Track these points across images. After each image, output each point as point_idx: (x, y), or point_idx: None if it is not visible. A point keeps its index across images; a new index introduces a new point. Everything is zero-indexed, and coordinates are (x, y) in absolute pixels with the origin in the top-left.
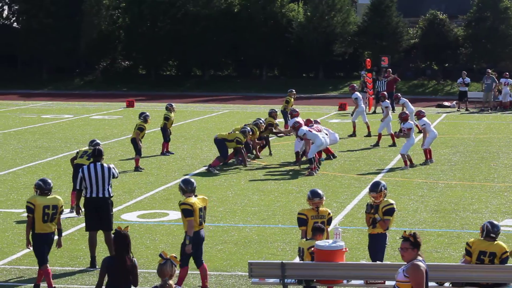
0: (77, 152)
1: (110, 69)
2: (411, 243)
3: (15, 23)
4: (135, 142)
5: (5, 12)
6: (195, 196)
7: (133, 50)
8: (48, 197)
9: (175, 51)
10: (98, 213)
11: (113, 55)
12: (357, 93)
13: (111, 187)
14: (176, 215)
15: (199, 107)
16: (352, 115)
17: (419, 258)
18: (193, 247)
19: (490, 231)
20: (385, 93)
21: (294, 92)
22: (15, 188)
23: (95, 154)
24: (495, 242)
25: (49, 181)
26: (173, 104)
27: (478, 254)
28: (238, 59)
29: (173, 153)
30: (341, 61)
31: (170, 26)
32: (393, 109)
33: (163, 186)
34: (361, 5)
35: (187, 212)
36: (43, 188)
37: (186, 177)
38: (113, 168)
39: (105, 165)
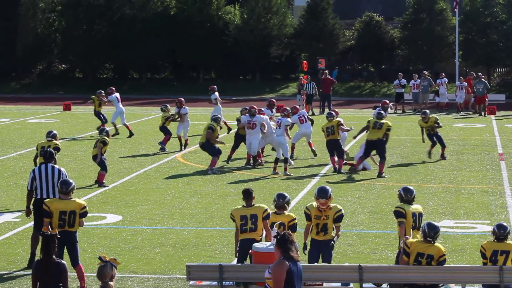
0: (37, 149)
1: (47, 72)
2: (277, 242)
3: None
4: (96, 158)
5: None
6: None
7: (69, 53)
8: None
9: (112, 54)
10: None
11: (49, 58)
12: (216, 93)
13: None
14: (113, 218)
15: (136, 110)
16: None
17: (292, 258)
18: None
19: (427, 234)
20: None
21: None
22: None
23: (47, 156)
24: (434, 244)
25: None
26: (167, 105)
27: (416, 255)
28: (175, 62)
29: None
30: (278, 63)
31: (106, 29)
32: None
33: (101, 189)
34: (297, 7)
35: None
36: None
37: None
38: (63, 171)
39: (56, 167)
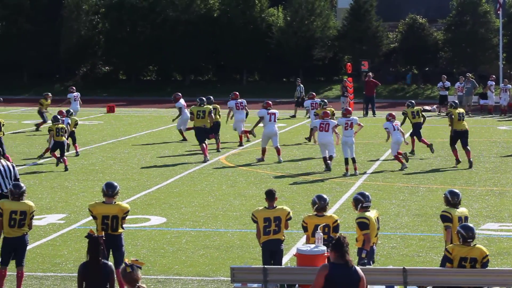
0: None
1: (90, 74)
2: (333, 246)
3: None
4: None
5: None
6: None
7: (113, 55)
8: (18, 202)
9: (155, 56)
10: None
11: (93, 60)
12: (181, 101)
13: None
14: (157, 220)
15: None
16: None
17: (347, 262)
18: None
19: (465, 236)
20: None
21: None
22: None
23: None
24: (475, 246)
25: (21, 185)
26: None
27: (459, 260)
28: (218, 64)
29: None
30: (321, 65)
31: (150, 31)
32: (374, 113)
33: (144, 191)
34: (340, 9)
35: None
36: (13, 192)
37: (109, 181)
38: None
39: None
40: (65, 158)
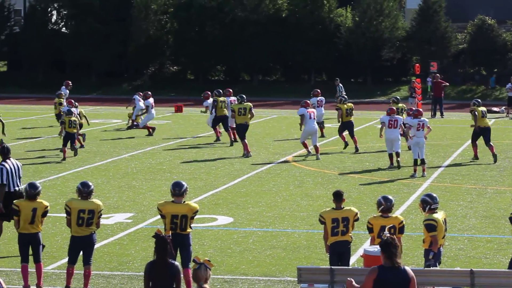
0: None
1: (159, 74)
2: (381, 247)
3: (64, 28)
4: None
5: (54, 17)
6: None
7: (181, 55)
8: (86, 201)
9: (223, 56)
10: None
11: (161, 60)
12: (209, 100)
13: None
14: (224, 220)
15: None
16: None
17: (394, 264)
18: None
19: None
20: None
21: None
22: (64, 192)
23: (5, 152)
24: None
25: (90, 184)
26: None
27: None
28: (286, 64)
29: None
30: (389, 66)
31: (218, 31)
32: (442, 114)
33: (212, 191)
34: (409, 10)
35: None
36: (81, 191)
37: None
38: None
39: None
40: (75, 144)
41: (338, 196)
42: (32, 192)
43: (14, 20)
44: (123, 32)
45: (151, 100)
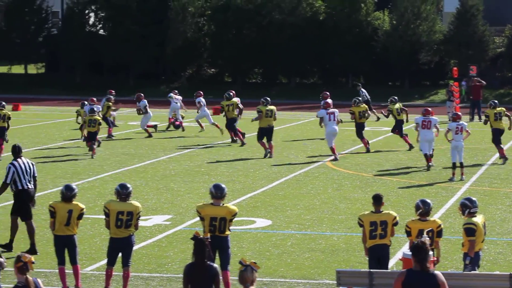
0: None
1: (196, 76)
2: (412, 251)
3: (101, 30)
4: None
5: (91, 19)
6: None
7: (218, 58)
8: (124, 203)
9: (261, 59)
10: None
11: (199, 62)
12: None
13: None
14: (262, 222)
15: (285, 115)
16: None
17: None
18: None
19: None
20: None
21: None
22: (103, 194)
23: (17, 151)
24: None
25: (128, 186)
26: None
27: None
28: (323, 67)
29: None
30: (427, 69)
31: (255, 34)
32: (480, 118)
33: (250, 193)
34: (446, 13)
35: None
36: (120, 193)
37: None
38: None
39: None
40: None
41: (377, 200)
42: (68, 194)
43: (52, 22)
44: (160, 34)
45: (145, 101)
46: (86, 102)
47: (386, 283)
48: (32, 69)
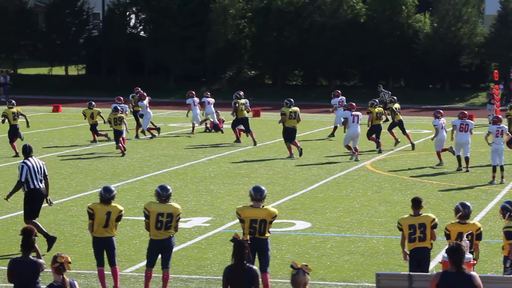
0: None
1: (236, 78)
2: (447, 253)
3: (142, 32)
4: None
5: (132, 21)
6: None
7: (259, 60)
8: (164, 204)
9: (301, 61)
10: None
11: (239, 64)
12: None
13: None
14: (302, 225)
15: (325, 117)
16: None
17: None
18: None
19: None
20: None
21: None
22: (143, 196)
23: (28, 151)
24: None
25: (168, 188)
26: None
27: None
28: (364, 69)
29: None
30: (467, 72)
31: (296, 36)
32: None
33: (289, 196)
34: (488, 16)
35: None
36: (160, 195)
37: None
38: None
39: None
40: (120, 145)
41: (416, 203)
42: (107, 196)
43: (93, 24)
44: (201, 36)
45: (145, 101)
46: (93, 103)
47: (425, 286)
48: (72, 71)
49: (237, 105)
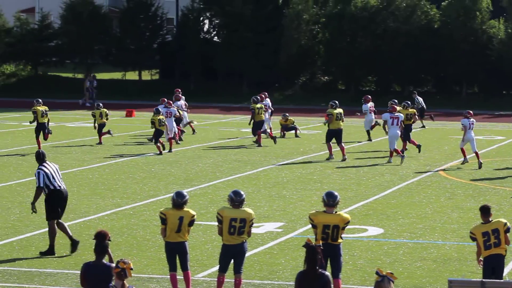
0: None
1: (310, 84)
2: None
3: (216, 37)
4: None
5: (206, 26)
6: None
7: (332, 65)
8: (238, 209)
9: (375, 67)
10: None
11: (312, 70)
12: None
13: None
14: (374, 231)
15: None
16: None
17: None
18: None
19: None
20: None
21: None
22: (215, 201)
23: (41, 157)
24: None
25: (241, 193)
26: None
27: None
28: (437, 75)
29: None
30: None
31: (369, 42)
32: None
33: (362, 202)
34: None
35: None
36: (233, 200)
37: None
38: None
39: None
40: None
41: (485, 211)
42: (179, 201)
43: (167, 29)
44: (274, 41)
45: (180, 102)
46: (101, 104)
47: None
48: (146, 76)
49: (253, 110)
